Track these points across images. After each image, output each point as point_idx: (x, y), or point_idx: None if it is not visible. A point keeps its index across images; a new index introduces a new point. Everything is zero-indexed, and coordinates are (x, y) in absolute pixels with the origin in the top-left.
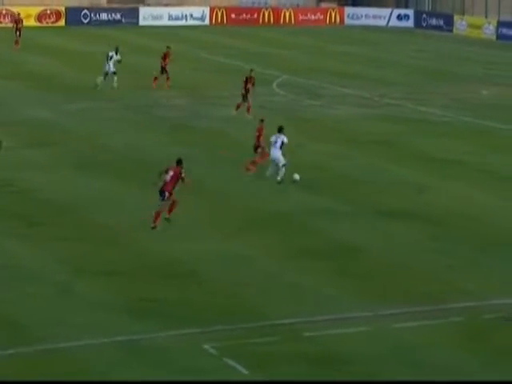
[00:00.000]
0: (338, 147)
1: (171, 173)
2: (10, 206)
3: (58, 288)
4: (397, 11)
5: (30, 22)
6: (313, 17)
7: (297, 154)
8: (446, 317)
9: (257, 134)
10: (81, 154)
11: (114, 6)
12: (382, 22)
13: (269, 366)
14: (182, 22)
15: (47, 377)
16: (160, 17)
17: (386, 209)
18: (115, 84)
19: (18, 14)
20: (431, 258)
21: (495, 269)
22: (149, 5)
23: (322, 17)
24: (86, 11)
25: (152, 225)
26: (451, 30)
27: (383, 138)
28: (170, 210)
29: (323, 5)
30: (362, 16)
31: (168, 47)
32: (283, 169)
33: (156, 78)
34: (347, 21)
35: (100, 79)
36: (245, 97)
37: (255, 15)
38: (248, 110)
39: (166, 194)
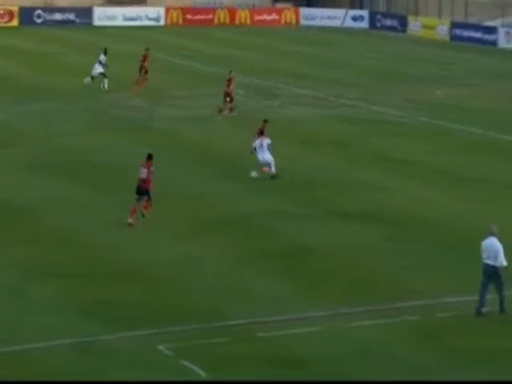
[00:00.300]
0: (294, 148)
1: (145, 169)
2: None
3: (10, 291)
4: (351, 12)
5: None
6: (268, 17)
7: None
8: (401, 315)
9: (258, 133)
10: (35, 156)
11: (68, 5)
12: (337, 23)
13: (224, 367)
14: (137, 23)
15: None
16: (115, 17)
17: (342, 210)
18: (105, 85)
19: None
20: (386, 257)
21: (448, 268)
22: (103, 5)
23: (277, 17)
24: (39, 11)
25: (129, 220)
26: (405, 31)
27: (339, 138)
28: (146, 207)
29: (278, 5)
30: (316, 17)
31: (147, 49)
32: (273, 168)
33: (137, 83)
34: (302, 21)
35: (88, 80)
36: (227, 98)
37: (210, 16)
38: (223, 111)
39: (144, 190)
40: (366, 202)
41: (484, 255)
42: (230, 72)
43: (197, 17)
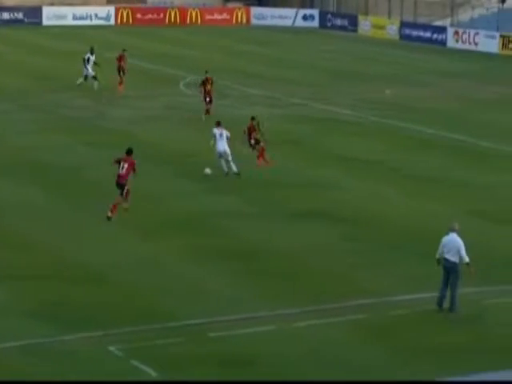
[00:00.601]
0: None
1: (126, 164)
2: None
3: None
4: (302, 11)
5: None
6: (219, 17)
7: (205, 155)
8: (351, 314)
9: (247, 131)
10: None
11: (16, 5)
12: (288, 22)
13: (176, 367)
14: (87, 22)
15: None
16: (64, 16)
17: (297, 209)
18: (96, 87)
19: None
20: (338, 256)
21: (401, 266)
22: (52, 4)
23: (228, 17)
24: None
25: (109, 214)
26: (356, 31)
27: (291, 137)
28: (125, 201)
29: (230, 5)
30: (267, 16)
31: (124, 50)
32: (232, 163)
33: (120, 83)
34: (253, 21)
35: (80, 80)
36: (206, 99)
37: (161, 15)
38: (208, 111)
39: (123, 185)
40: (321, 201)
41: (444, 250)
42: (206, 72)
43: (147, 16)
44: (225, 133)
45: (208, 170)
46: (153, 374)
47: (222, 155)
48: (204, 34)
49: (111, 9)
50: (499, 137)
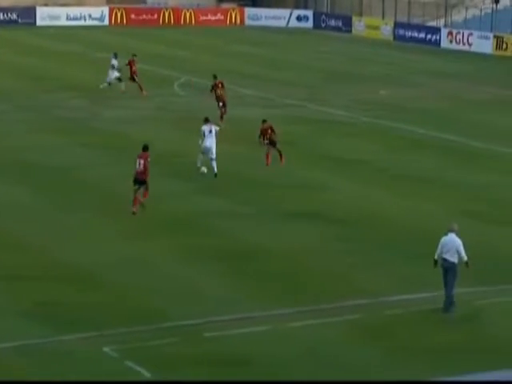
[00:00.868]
0: (241, 148)
1: (141, 161)
2: None
3: None
4: (296, 12)
5: None
6: (213, 17)
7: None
8: (348, 314)
9: (267, 133)
10: None
11: (10, 5)
12: (282, 23)
13: (170, 368)
14: (81, 23)
15: None
16: (58, 17)
17: (290, 210)
18: (123, 88)
19: None
20: (332, 257)
21: (395, 266)
22: (46, 4)
23: (222, 17)
24: None
25: (133, 209)
26: (350, 31)
27: (285, 138)
28: (144, 195)
29: (223, 5)
30: (261, 17)
31: (134, 55)
32: (215, 162)
33: (140, 86)
34: (247, 21)
35: (104, 85)
36: (219, 104)
37: (155, 16)
38: (221, 117)
39: (142, 181)
40: (314, 201)
41: (443, 250)
42: (215, 77)
43: (141, 17)
44: (214, 128)
45: (204, 169)
46: (147, 375)
47: (206, 152)
48: (198, 35)
49: (105, 9)
50: (490, 137)
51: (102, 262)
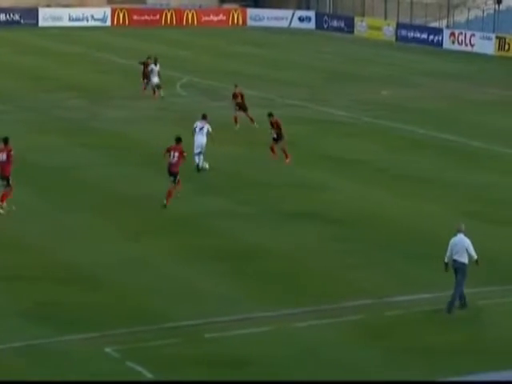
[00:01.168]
0: (242, 148)
1: (176, 153)
2: None
3: None
4: (298, 13)
5: None
6: (215, 18)
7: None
8: (347, 315)
9: (275, 126)
10: None
11: (12, 6)
12: (284, 24)
13: (171, 368)
14: (83, 23)
15: None
16: (60, 18)
17: (289, 210)
18: (162, 94)
19: None
20: (333, 257)
21: (394, 266)
22: (49, 5)
23: (224, 18)
24: None
25: (164, 202)
26: (352, 32)
27: (287, 138)
28: (176, 188)
29: (226, 6)
30: (264, 17)
31: (148, 57)
32: (201, 156)
33: (146, 88)
34: (249, 22)
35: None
36: (241, 109)
37: (157, 16)
38: (251, 120)
39: (174, 173)
40: (313, 202)
41: (453, 252)
42: (236, 86)
43: (144, 17)
44: (206, 127)
45: (206, 165)
46: (149, 376)
47: (196, 147)
48: (200, 36)
49: (107, 10)
50: (490, 137)
51: (102, 263)
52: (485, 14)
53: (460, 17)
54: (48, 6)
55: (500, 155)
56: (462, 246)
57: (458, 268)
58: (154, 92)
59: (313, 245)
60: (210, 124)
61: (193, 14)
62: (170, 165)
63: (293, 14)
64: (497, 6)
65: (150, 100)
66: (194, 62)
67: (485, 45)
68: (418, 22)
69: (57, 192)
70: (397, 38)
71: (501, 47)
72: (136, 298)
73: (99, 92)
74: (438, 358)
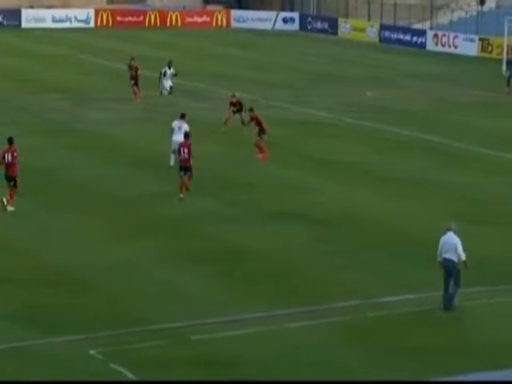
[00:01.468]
0: (225, 149)
1: (185, 149)
2: None
3: None
4: (282, 14)
5: None
6: (199, 19)
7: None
8: (334, 316)
9: (255, 121)
10: None
11: None
12: (268, 25)
13: (156, 370)
14: (67, 25)
15: None
16: (43, 19)
17: (275, 211)
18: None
19: None
20: (319, 258)
21: (381, 267)
22: (32, 6)
23: (208, 19)
24: None
25: (180, 196)
26: (336, 33)
27: (271, 140)
28: (189, 181)
29: (209, 7)
30: (248, 19)
31: (132, 59)
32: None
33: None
34: (233, 23)
35: (165, 93)
36: (238, 112)
37: (141, 18)
38: (243, 123)
39: (187, 168)
40: (298, 203)
41: (443, 250)
42: (233, 96)
43: (127, 19)
44: (184, 127)
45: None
46: (131, 377)
47: (173, 146)
48: (184, 37)
49: (91, 11)
50: (474, 138)
51: (89, 265)
52: (468, 15)
53: (443, 18)
54: (31, 7)
55: (483, 156)
56: (451, 244)
57: (448, 266)
58: (135, 93)
59: (300, 246)
60: (189, 123)
61: (176, 16)
62: (182, 160)
63: (277, 16)
64: (480, 8)
65: (135, 102)
66: (177, 63)
67: (468, 46)
68: (401, 23)
69: (44, 193)
70: (380, 40)
71: (484, 49)
72: (123, 299)
73: (83, 93)
74: (428, 358)
